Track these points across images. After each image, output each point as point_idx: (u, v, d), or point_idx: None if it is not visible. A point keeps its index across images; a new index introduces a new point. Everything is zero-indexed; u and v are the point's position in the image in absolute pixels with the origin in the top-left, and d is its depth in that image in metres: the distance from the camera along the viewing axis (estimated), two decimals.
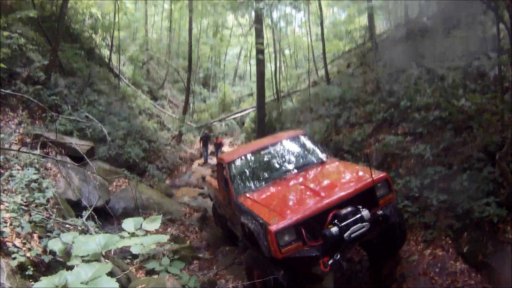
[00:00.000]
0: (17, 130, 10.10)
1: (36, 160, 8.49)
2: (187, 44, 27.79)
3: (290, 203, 6.88)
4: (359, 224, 6.09)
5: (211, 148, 24.22)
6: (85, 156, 9.04)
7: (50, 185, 7.58)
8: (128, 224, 3.80)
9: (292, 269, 6.42)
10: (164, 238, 3.74)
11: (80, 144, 10.79)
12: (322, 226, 6.25)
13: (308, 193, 7.02)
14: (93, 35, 22.06)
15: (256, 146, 9.22)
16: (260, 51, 18.83)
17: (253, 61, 32.01)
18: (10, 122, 10.38)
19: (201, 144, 23.74)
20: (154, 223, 3.81)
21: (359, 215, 6.16)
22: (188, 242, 10.35)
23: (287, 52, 35.71)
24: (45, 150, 9.85)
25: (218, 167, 9.46)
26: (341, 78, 20.63)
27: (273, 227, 5.98)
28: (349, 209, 6.24)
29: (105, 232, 7.62)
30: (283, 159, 8.76)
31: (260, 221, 6.39)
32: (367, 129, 12.66)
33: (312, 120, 16.74)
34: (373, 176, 6.59)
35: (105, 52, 23.86)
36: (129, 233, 3.69)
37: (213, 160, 22.92)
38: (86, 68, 17.63)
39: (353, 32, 25.43)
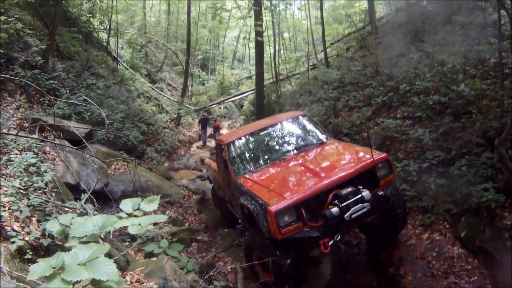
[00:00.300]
0: (15, 115, 10.10)
1: (34, 144, 8.49)
2: (185, 27, 27.72)
3: (290, 184, 6.85)
4: (360, 204, 6.10)
5: (209, 130, 24.19)
6: (83, 139, 9.03)
7: (49, 169, 7.58)
8: (126, 205, 3.77)
9: (292, 250, 6.42)
10: (162, 218, 3.72)
11: (78, 128, 10.77)
12: (322, 206, 6.24)
13: (308, 173, 6.97)
14: (91, 19, 21.87)
15: (256, 127, 9.12)
16: (259, 33, 18.71)
17: (252, 44, 31.78)
18: (8, 107, 10.37)
19: (200, 127, 23.72)
20: (152, 204, 3.78)
21: (360, 195, 6.17)
22: (186, 224, 10.40)
23: (286, 35, 35.62)
24: (43, 134, 9.86)
25: (217, 149, 9.37)
26: (340, 61, 20.58)
27: (273, 207, 5.96)
28: (349, 189, 6.24)
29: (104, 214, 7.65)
30: (283, 140, 8.73)
31: (260, 201, 6.36)
32: (366, 112, 12.64)
33: (311, 103, 16.71)
34: (374, 156, 6.57)
35: (103, 36, 23.80)
36: (127, 213, 3.66)
37: (211, 143, 22.94)
38: (84, 52, 17.62)
39: (353, 15, 25.32)
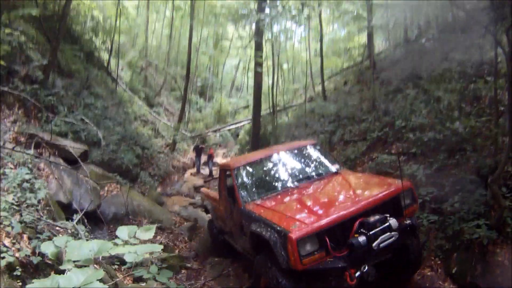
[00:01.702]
0: (12, 129, 10.06)
1: (29, 160, 8.47)
2: (186, 52, 27.98)
3: (310, 210, 6.42)
4: (388, 233, 5.64)
5: (204, 158, 24.21)
6: (78, 159, 9.05)
7: (42, 186, 7.55)
8: (122, 231, 3.80)
9: (312, 283, 6.00)
10: (158, 248, 3.74)
11: (74, 147, 10.75)
12: (346, 235, 5.75)
13: (329, 201, 6.62)
14: (94, 38, 22.09)
15: (265, 153, 8.72)
16: (258, 64, 18.89)
17: (251, 74, 32.16)
18: (5, 119, 10.34)
19: (195, 154, 23.75)
20: (148, 232, 3.81)
21: (387, 223, 5.72)
22: (176, 251, 10.33)
23: (285, 66, 35.89)
24: (38, 151, 9.83)
25: (221, 174, 8.94)
26: (338, 95, 20.76)
27: (294, 234, 5.41)
28: (377, 216, 5.76)
29: (95, 236, 7.59)
30: (295, 168, 8.20)
31: (278, 228, 5.81)
32: (361, 147, 12.72)
33: (306, 135, 16.77)
34: (398, 184, 6.24)
35: (104, 56, 23.94)
36: (123, 240, 3.67)
37: (205, 171, 22.95)
38: (85, 71, 17.64)
39: (352, 49, 25.62)
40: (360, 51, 25.31)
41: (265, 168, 8.27)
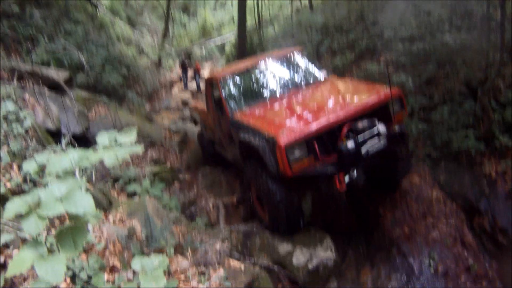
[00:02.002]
0: None
1: (13, 93, 8.31)
2: None
3: (299, 117, 6.29)
4: (376, 138, 5.72)
5: (190, 73, 23.96)
6: (63, 84, 8.89)
7: (28, 116, 7.44)
8: (103, 137, 3.70)
9: (303, 188, 6.18)
10: (138, 148, 3.65)
11: (57, 73, 10.55)
12: (335, 141, 5.76)
13: (317, 106, 6.49)
14: None
15: (251, 62, 8.51)
16: None
17: None
18: None
19: (181, 70, 23.49)
20: (129, 135, 3.70)
21: (376, 128, 5.75)
22: (168, 164, 10.42)
23: None
24: (22, 83, 9.64)
25: (208, 86, 8.80)
26: (325, 6, 20.30)
27: (283, 141, 5.44)
28: (365, 121, 5.76)
29: None
30: (283, 76, 8.11)
31: (266, 135, 5.82)
32: (349, 56, 12.59)
33: (293, 46, 16.57)
34: (387, 90, 6.17)
35: None
36: (103, 146, 3.60)
37: (192, 85, 22.81)
38: None
39: None
40: None
41: (251, 77, 8.16)
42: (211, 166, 10.20)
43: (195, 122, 11.26)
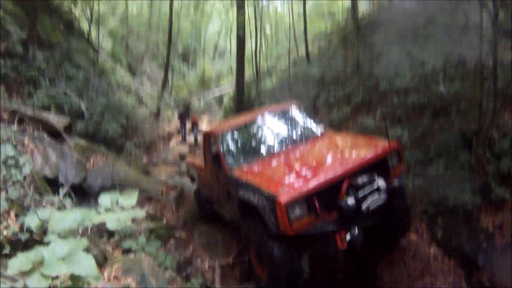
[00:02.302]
0: None
1: (13, 136, 8.35)
2: (167, 18, 27.55)
3: (298, 173, 6.26)
4: (376, 194, 5.62)
5: (188, 125, 24.11)
6: (62, 132, 8.96)
7: (27, 162, 7.45)
8: (105, 199, 3.77)
9: (303, 247, 6.03)
10: (140, 213, 3.71)
11: (57, 120, 10.62)
12: (334, 198, 5.63)
13: (316, 163, 6.53)
14: (73, 8, 21.54)
15: (249, 117, 8.50)
16: (241, 27, 18.68)
17: (234, 39, 31.83)
18: None
19: (179, 122, 23.62)
20: (130, 199, 3.78)
21: (375, 184, 5.68)
22: (164, 220, 10.34)
23: (268, 30, 35.55)
24: (22, 127, 9.69)
25: (205, 141, 8.74)
26: (322, 58, 20.65)
27: (283, 199, 5.33)
28: (365, 177, 5.70)
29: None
30: (281, 131, 8.09)
31: (265, 193, 5.71)
32: (346, 110, 12.72)
33: (291, 99, 16.75)
34: (385, 144, 6.17)
35: (85, 26, 23.44)
36: (105, 208, 3.65)
37: (190, 138, 22.89)
38: (65, 42, 17.30)
39: (335, 13, 25.35)
40: (344, 15, 25.09)
41: (249, 132, 8.12)
42: (208, 225, 10.05)
43: (191, 178, 10.94)
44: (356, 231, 5.60)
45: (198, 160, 10.25)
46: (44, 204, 6.52)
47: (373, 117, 11.17)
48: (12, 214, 5.78)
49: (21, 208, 6.02)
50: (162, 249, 8.24)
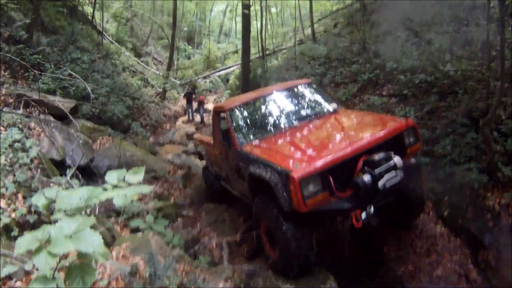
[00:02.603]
0: None
1: (19, 120, 8.38)
2: (171, 0, 27.35)
3: (312, 149, 6.06)
4: (393, 172, 5.38)
5: (195, 105, 24.08)
6: (68, 114, 8.98)
7: (34, 145, 7.48)
8: (111, 176, 3.77)
9: (316, 225, 5.89)
10: (147, 189, 3.70)
11: (63, 103, 10.64)
12: (350, 175, 5.44)
13: (331, 138, 6.36)
14: None
15: (260, 93, 8.37)
16: (245, 6, 18.57)
17: (239, 19, 31.65)
18: None
19: (185, 102, 23.59)
20: (137, 175, 3.78)
21: (392, 161, 5.43)
22: (172, 199, 10.40)
23: (273, 10, 35.33)
24: (28, 110, 9.73)
25: (214, 117, 8.61)
26: (328, 37, 20.54)
27: (297, 174, 5.10)
28: (381, 154, 5.46)
29: None
30: (292, 108, 7.88)
31: (278, 168, 5.49)
32: (352, 88, 12.69)
33: (297, 78, 16.68)
34: (402, 121, 6.03)
35: (88, 10, 23.37)
36: (112, 185, 3.66)
37: (197, 117, 22.89)
38: (69, 26, 17.31)
39: None
40: None
41: (261, 108, 7.97)
42: (215, 203, 10.06)
43: (200, 156, 10.80)
44: (372, 210, 5.36)
45: (206, 137, 10.20)
46: (51, 186, 6.57)
47: (379, 95, 11.12)
48: (20, 196, 5.83)
49: (28, 190, 6.07)
50: (169, 228, 8.30)
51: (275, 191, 5.50)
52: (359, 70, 13.29)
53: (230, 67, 31.08)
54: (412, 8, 13.62)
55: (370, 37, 14.75)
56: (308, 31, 23.96)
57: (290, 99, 8.13)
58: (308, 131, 6.92)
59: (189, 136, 18.71)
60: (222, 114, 8.01)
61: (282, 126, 7.35)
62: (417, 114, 9.04)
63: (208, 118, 22.22)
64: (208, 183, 10.39)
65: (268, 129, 7.37)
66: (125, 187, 3.65)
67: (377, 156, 5.41)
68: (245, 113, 7.80)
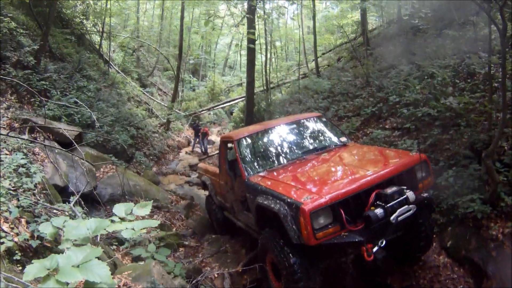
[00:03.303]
0: (5, 115, 10.03)
1: (24, 145, 8.44)
2: (178, 32, 27.81)
3: (322, 181, 5.98)
4: (406, 206, 5.28)
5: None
6: (73, 141, 9.03)
7: (38, 170, 7.53)
8: (119, 209, 3.83)
9: (324, 258, 5.76)
10: (155, 223, 3.76)
11: (68, 130, 10.72)
12: (360, 208, 5.40)
13: (342, 171, 6.28)
14: (84, 21, 21.77)
15: (269, 124, 8.35)
16: (251, 41, 18.76)
17: (244, 52, 32.05)
18: None
19: (194, 133, 23.81)
20: (144, 209, 3.84)
21: (405, 196, 5.36)
22: (174, 229, 10.40)
23: (278, 44, 35.84)
24: (33, 135, 9.79)
25: (222, 147, 8.60)
26: (331, 71, 20.78)
27: (307, 206, 5.01)
28: (394, 188, 5.39)
29: (92, 217, 7.60)
30: (302, 140, 7.93)
31: (288, 200, 5.40)
32: (355, 122, 12.76)
33: (300, 112, 16.79)
34: (413, 156, 6.03)
35: (96, 38, 23.68)
36: (119, 218, 3.72)
37: (199, 149, 23.01)
38: (76, 54, 17.53)
39: (345, 26, 25.48)
40: (353, 28, 25.24)
41: (269, 140, 7.92)
42: (217, 234, 10.09)
43: (204, 185, 10.72)
44: (383, 243, 5.28)
45: (212, 166, 10.21)
46: (54, 212, 6.58)
47: (382, 129, 11.19)
48: (23, 221, 5.84)
49: (32, 215, 6.08)
50: (171, 257, 8.28)
51: (284, 223, 5.38)
52: (362, 104, 13.39)
53: (234, 100, 31.28)
54: (415, 42, 13.83)
55: (373, 71, 14.91)
56: (312, 65, 24.26)
57: (299, 132, 8.14)
58: (318, 164, 6.85)
59: (192, 167, 18.79)
60: (230, 144, 8.04)
61: (291, 158, 7.31)
62: (420, 147, 9.08)
63: (211, 150, 22.33)
64: (211, 213, 10.36)
65: (277, 160, 7.33)
66: (132, 220, 3.71)
67: (389, 190, 5.35)
68: (254, 144, 7.81)
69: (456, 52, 11.60)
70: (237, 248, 9.11)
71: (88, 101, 14.59)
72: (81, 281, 2.89)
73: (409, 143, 9.31)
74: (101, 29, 22.71)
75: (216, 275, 7.68)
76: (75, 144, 8.93)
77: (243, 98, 24.36)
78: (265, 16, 21.08)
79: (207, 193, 10.59)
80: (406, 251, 6.67)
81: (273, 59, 27.46)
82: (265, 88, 23.15)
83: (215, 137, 26.40)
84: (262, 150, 7.77)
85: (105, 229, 3.48)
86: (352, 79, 16.37)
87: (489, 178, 6.92)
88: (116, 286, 5.18)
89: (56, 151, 9.64)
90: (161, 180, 15.75)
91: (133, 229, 3.53)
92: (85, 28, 21.74)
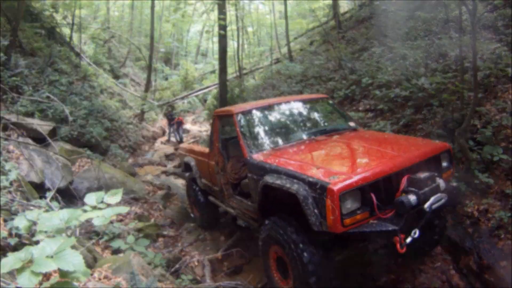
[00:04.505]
0: None
1: None
2: (149, 21, 27.54)
3: (346, 161, 5.41)
4: (438, 194, 4.65)
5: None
6: (47, 137, 8.94)
7: (13, 168, 7.44)
8: (90, 198, 3.84)
9: (341, 250, 5.16)
10: (125, 209, 3.77)
11: (41, 125, 10.59)
12: (391, 194, 4.70)
13: (367, 152, 5.59)
14: (54, 14, 21.45)
15: (274, 100, 7.47)
16: (222, 27, 18.68)
17: (216, 39, 31.87)
18: None
19: (168, 123, 23.71)
20: (115, 196, 3.85)
21: (436, 183, 4.78)
22: (152, 220, 10.35)
23: (250, 29, 35.70)
24: (6, 133, 9.67)
25: (216, 123, 7.60)
26: (304, 55, 20.80)
27: (336, 187, 4.25)
28: (427, 174, 4.76)
29: None
30: (310, 120, 7.27)
31: (309, 179, 4.59)
32: None
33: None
34: (439, 143, 5.61)
35: (66, 31, 23.39)
36: (91, 207, 3.72)
37: (174, 138, 22.98)
38: (47, 48, 17.28)
39: (316, 10, 25.49)
40: (325, 12, 25.27)
41: (274, 117, 7.07)
42: (196, 223, 9.88)
43: (186, 167, 9.70)
44: (418, 234, 4.45)
45: (198, 146, 9.89)
46: (31, 209, 6.52)
47: (356, 110, 11.26)
48: (1, 220, 5.78)
49: (9, 213, 6.02)
50: (151, 248, 8.26)
51: (304, 207, 4.59)
52: (335, 86, 13.43)
53: (207, 87, 31.19)
54: (386, 24, 13.91)
55: (346, 54, 14.96)
56: (285, 49, 24.25)
57: (306, 111, 7.46)
58: (334, 144, 6.15)
59: (168, 157, 18.75)
60: (227, 120, 7.25)
61: (302, 137, 6.61)
62: (393, 128, 9.17)
63: (187, 139, 22.26)
64: (192, 196, 9.68)
65: (283, 139, 6.51)
66: (104, 208, 3.72)
67: (422, 175, 4.72)
68: (257, 120, 6.92)
69: (427, 33, 11.72)
70: (216, 236, 9.14)
71: (60, 95, 14.46)
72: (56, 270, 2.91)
73: (382, 124, 9.39)
74: (71, 22, 22.41)
75: (196, 263, 7.68)
76: (48, 139, 8.84)
77: (217, 86, 24.30)
78: (236, 1, 21.01)
79: (184, 182, 10.43)
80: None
81: (245, 45, 27.43)
82: (238, 74, 23.13)
83: (190, 126, 26.32)
84: (266, 127, 6.86)
85: (77, 219, 3.48)
86: (325, 63, 16.41)
87: (463, 156, 7.05)
88: (93, 280, 5.17)
89: (31, 147, 9.54)
90: (137, 172, 15.66)
91: (104, 216, 3.54)
92: (55, 21, 21.41)
